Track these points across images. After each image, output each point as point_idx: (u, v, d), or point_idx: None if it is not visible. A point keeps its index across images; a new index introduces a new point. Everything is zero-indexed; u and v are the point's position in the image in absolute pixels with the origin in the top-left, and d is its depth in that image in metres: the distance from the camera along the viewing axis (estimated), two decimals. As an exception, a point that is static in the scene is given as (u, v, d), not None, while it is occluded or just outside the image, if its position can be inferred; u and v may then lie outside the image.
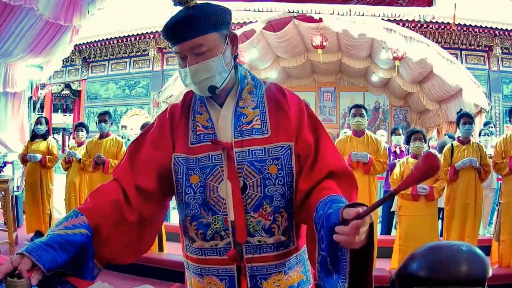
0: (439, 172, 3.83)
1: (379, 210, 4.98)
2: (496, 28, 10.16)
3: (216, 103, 1.17)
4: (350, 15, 5.37)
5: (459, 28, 9.94)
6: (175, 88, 8.53)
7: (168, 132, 1.17)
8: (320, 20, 7.11)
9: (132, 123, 8.81)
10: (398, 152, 5.74)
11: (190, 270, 1.19)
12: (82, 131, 5.00)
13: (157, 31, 11.36)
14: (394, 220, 5.08)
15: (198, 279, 1.16)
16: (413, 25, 9.16)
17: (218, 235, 1.09)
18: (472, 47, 10.68)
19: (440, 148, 5.35)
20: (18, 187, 6.41)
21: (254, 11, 5.46)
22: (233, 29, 1.30)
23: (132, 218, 1.07)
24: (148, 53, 11.90)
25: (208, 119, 1.15)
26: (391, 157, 5.57)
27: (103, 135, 4.65)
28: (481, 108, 7.31)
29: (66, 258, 0.92)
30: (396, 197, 4.35)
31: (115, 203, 1.05)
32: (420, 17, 5.22)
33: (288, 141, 1.10)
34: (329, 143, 1.14)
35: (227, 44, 1.11)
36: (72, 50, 11.91)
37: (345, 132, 5.27)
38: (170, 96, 8.68)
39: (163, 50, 11.97)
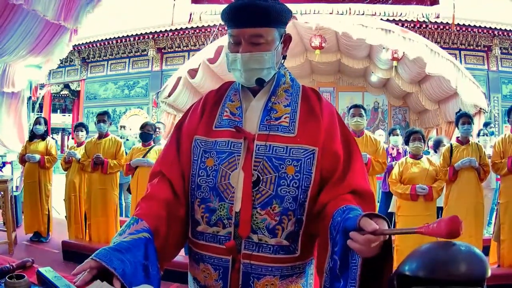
0: (438, 172, 3.84)
1: (377, 211, 4.98)
2: (495, 28, 10.16)
3: (251, 93, 1.18)
4: (350, 13, 5.36)
5: (458, 28, 9.94)
6: (174, 87, 8.54)
7: (198, 117, 1.19)
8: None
9: (131, 123, 8.81)
10: (395, 154, 5.68)
11: (191, 255, 1.19)
12: (82, 131, 5.00)
13: (156, 31, 11.36)
14: (394, 221, 5.07)
15: (195, 265, 1.17)
16: (411, 25, 9.16)
17: (221, 223, 1.09)
18: (471, 47, 10.68)
19: (435, 144, 5.33)
20: (17, 187, 6.40)
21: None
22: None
23: (183, 212, 1.13)
24: (147, 53, 11.88)
25: (238, 107, 1.16)
26: (388, 159, 5.54)
27: (102, 135, 4.64)
28: (480, 108, 7.32)
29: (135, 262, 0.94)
30: (394, 198, 4.36)
31: (167, 203, 1.10)
32: (424, 16, 5.19)
33: (312, 145, 1.09)
34: (360, 161, 1.14)
35: (281, 43, 1.13)
36: (71, 50, 11.92)
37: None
38: (169, 96, 8.68)
39: (162, 50, 11.95)
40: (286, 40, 1.16)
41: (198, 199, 1.12)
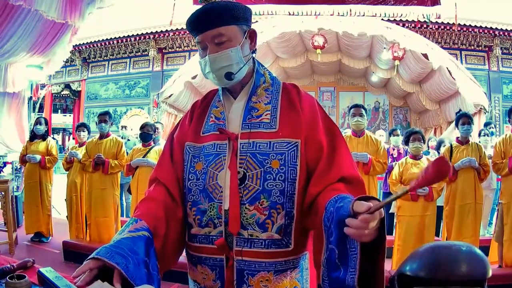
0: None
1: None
2: (496, 28, 10.16)
3: (232, 97, 1.22)
4: (350, 15, 5.37)
5: (459, 29, 9.94)
6: (175, 88, 8.54)
7: (187, 125, 1.24)
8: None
9: (132, 123, 8.81)
10: (395, 155, 5.67)
11: (189, 259, 1.21)
12: (83, 131, 5.00)
13: (156, 31, 11.36)
14: (395, 221, 5.06)
15: (193, 268, 1.19)
16: (412, 25, 9.17)
17: (212, 223, 1.11)
18: (472, 48, 10.68)
19: (438, 144, 5.34)
20: (18, 187, 6.40)
21: (256, 14, 5.45)
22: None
23: (181, 214, 1.16)
24: (148, 53, 11.89)
25: (222, 111, 1.20)
26: (389, 160, 5.52)
27: (103, 136, 4.64)
28: (481, 108, 7.31)
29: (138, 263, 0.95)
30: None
31: (165, 204, 1.13)
32: (424, 17, 5.20)
33: (295, 138, 1.12)
34: (345, 149, 1.15)
35: (245, 38, 1.16)
36: (72, 51, 11.92)
37: (345, 132, 5.26)
38: (170, 96, 8.68)
39: (163, 51, 11.96)
40: (252, 35, 1.19)
41: (190, 202, 1.15)
